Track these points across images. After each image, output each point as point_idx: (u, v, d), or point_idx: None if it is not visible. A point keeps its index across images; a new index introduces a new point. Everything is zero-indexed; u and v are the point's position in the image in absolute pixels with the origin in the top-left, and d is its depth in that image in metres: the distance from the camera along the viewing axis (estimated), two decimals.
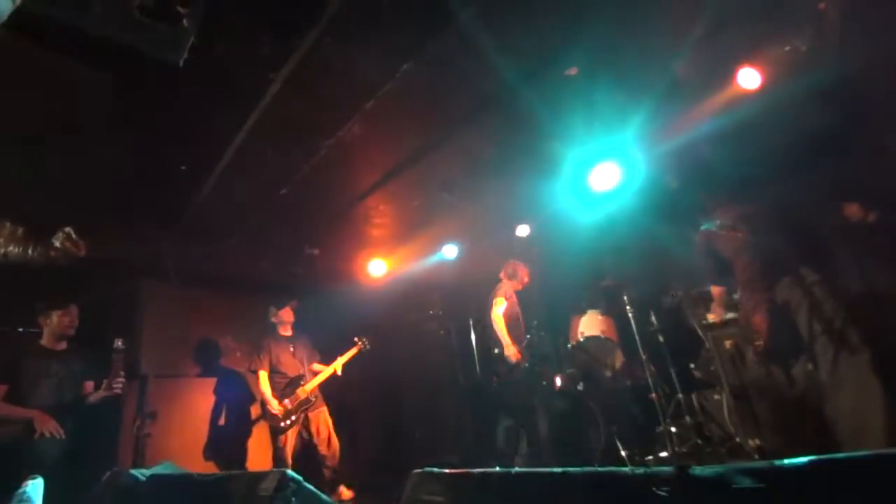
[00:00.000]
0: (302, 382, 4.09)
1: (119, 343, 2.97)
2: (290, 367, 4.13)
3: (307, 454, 4.13)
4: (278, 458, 3.87)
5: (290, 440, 3.92)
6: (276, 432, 3.94)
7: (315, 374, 4.21)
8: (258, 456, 4.51)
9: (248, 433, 4.59)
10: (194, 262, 4.38)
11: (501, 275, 4.38)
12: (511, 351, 3.77)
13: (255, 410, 4.63)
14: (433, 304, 5.31)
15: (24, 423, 2.68)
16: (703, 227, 2.84)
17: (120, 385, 2.95)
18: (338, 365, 4.25)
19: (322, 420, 4.08)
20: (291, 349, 4.22)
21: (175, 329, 4.41)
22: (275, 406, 3.94)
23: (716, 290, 3.03)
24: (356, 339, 4.47)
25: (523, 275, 4.36)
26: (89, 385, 3.06)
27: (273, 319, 4.31)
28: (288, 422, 3.92)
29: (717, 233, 2.68)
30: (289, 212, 4.17)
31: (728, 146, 3.25)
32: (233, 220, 4.26)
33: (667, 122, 3.34)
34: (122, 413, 3.90)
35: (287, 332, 4.30)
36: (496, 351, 3.93)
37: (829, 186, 2.95)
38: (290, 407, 3.96)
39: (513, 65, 2.79)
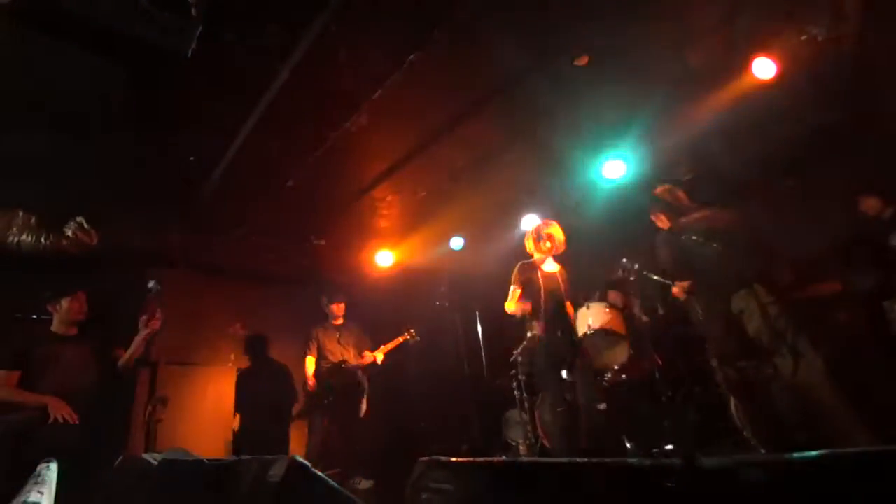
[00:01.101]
0: (343, 367, 4.21)
1: (153, 283, 3.08)
2: (336, 353, 4.27)
3: (325, 441, 4.20)
4: (316, 440, 4.00)
5: (325, 423, 4.06)
6: (316, 413, 4.07)
7: (362, 360, 4.30)
8: (270, 442, 4.58)
9: (259, 419, 4.66)
10: (203, 252, 4.43)
11: None
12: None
13: (270, 396, 4.73)
14: (440, 296, 5.32)
15: (37, 409, 2.74)
16: (668, 232, 2.99)
17: (158, 322, 3.05)
18: (379, 353, 4.37)
19: (353, 407, 4.18)
20: (338, 336, 4.34)
21: (185, 318, 4.46)
22: (310, 381, 4.12)
23: (676, 291, 3.06)
24: (406, 328, 4.55)
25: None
26: (119, 350, 3.12)
27: (326, 310, 4.45)
28: (325, 402, 4.06)
29: (685, 240, 2.85)
30: (296, 203, 4.18)
31: (739, 139, 3.20)
32: (240, 210, 4.28)
33: (678, 113, 3.29)
34: (133, 399, 3.97)
35: (338, 321, 4.43)
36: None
37: (846, 179, 2.90)
38: (329, 388, 4.09)
39: (521, 55, 2.76)
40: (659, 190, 3.12)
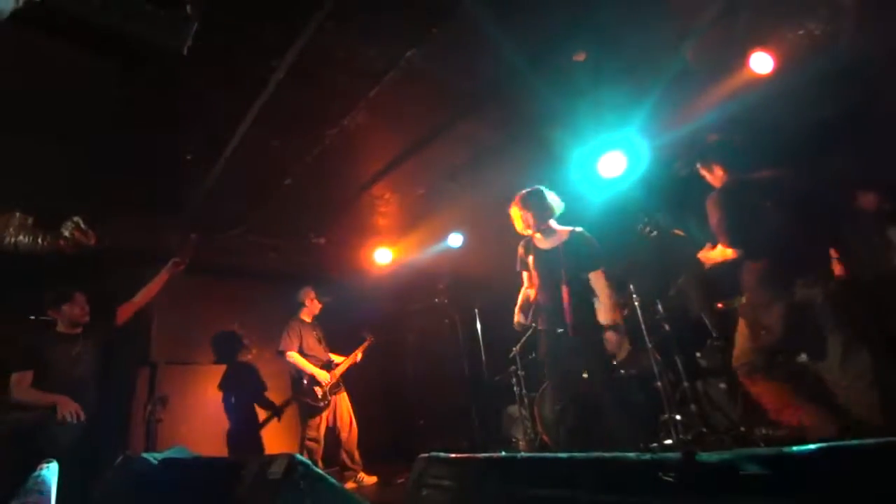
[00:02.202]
0: (332, 367, 4.19)
1: (194, 236, 3.41)
2: (317, 351, 4.22)
3: (326, 438, 4.20)
4: (311, 440, 3.95)
5: (323, 422, 4.01)
6: (311, 413, 4.01)
7: (349, 359, 4.31)
8: (269, 441, 4.59)
9: (258, 419, 4.67)
10: (202, 251, 4.41)
11: None
12: None
13: (270, 395, 4.72)
14: (438, 293, 5.32)
15: (39, 409, 2.75)
16: (723, 190, 2.45)
17: (183, 267, 3.31)
18: (359, 354, 4.39)
19: (346, 405, 4.18)
20: (316, 334, 4.29)
21: (184, 317, 4.47)
22: (325, 376, 4.04)
23: (706, 256, 2.53)
24: (366, 336, 4.58)
25: None
26: (122, 308, 3.24)
27: (304, 303, 4.35)
28: (325, 402, 4.02)
29: (747, 200, 2.32)
30: (294, 201, 4.18)
31: (738, 134, 3.20)
32: (239, 209, 4.28)
33: (676, 108, 3.29)
34: (133, 399, 3.98)
35: (309, 317, 4.37)
36: None
37: (843, 175, 2.90)
38: (326, 388, 4.05)
39: (518, 51, 2.75)
40: (713, 137, 2.58)
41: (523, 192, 2.90)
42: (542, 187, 2.91)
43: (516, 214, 2.87)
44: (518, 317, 2.93)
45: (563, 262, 2.65)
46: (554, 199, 2.89)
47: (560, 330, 2.60)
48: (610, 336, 2.60)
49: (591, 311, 2.65)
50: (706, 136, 2.65)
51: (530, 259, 2.85)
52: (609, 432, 2.49)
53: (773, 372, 2.26)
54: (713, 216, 2.36)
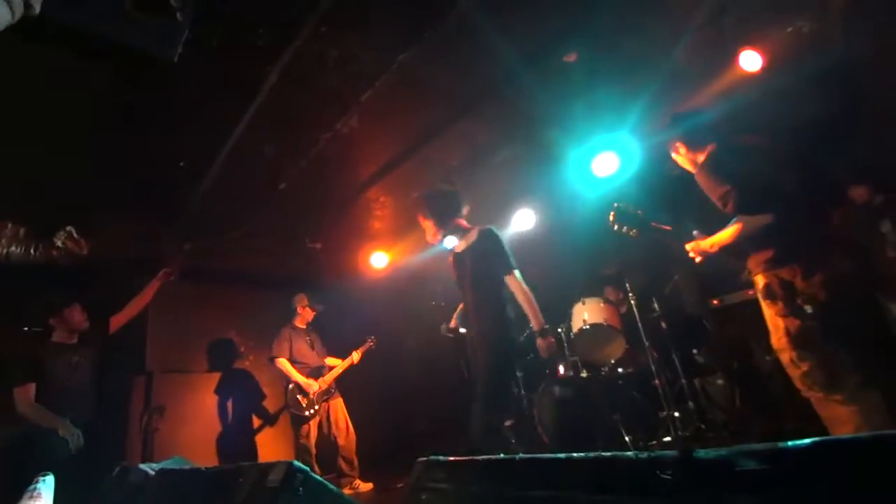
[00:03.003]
0: (323, 373, 4.15)
1: (188, 245, 3.47)
2: (309, 357, 4.20)
3: (321, 445, 4.18)
4: (302, 449, 3.92)
5: (314, 430, 3.98)
6: (299, 422, 3.99)
7: (329, 366, 4.27)
8: (267, 449, 4.56)
9: (256, 426, 4.64)
10: (196, 258, 4.39)
11: None
12: None
13: (267, 402, 4.68)
14: (435, 296, 5.32)
15: (34, 423, 2.73)
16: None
17: (172, 275, 3.35)
18: (356, 355, 4.35)
19: (340, 410, 4.15)
20: (309, 340, 4.27)
21: (180, 325, 4.44)
22: (314, 385, 4.00)
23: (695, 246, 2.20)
24: (368, 338, 4.55)
25: None
26: (114, 319, 3.23)
27: (298, 310, 4.35)
28: (312, 410, 3.98)
29: (740, 162, 2.04)
30: (289, 206, 4.17)
31: (730, 131, 3.22)
32: (233, 215, 4.26)
33: (668, 107, 3.31)
34: (129, 409, 3.94)
35: (302, 324, 4.35)
36: None
37: (834, 170, 2.92)
38: (313, 396, 4.02)
39: (512, 52, 2.76)
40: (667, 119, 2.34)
41: (419, 197, 2.73)
42: (443, 186, 2.76)
43: (422, 225, 2.72)
44: (452, 322, 2.86)
45: (469, 264, 2.48)
46: (454, 197, 2.69)
47: (471, 335, 2.47)
48: (541, 343, 2.44)
49: (499, 316, 2.41)
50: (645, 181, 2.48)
51: (450, 263, 2.69)
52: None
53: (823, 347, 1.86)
54: (716, 186, 2.01)
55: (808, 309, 1.87)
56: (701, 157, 2.18)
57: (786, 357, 1.94)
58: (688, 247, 2.18)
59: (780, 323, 1.95)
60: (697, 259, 2.16)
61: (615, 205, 2.31)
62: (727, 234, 2.03)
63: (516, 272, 2.45)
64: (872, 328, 1.94)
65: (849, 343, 1.84)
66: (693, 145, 2.21)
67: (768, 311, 2.01)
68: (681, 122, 2.27)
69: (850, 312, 1.87)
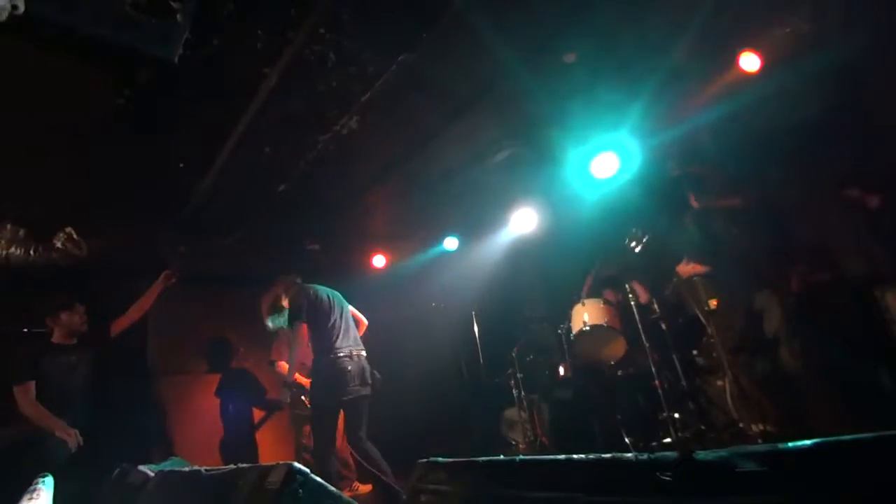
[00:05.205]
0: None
1: (183, 248, 3.58)
2: (308, 358, 4.17)
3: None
4: (303, 449, 3.90)
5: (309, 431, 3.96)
6: (300, 422, 3.96)
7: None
8: (267, 450, 4.55)
9: (256, 428, 4.63)
10: (196, 260, 4.39)
11: None
12: None
13: (267, 403, 4.67)
14: (435, 297, 5.32)
15: (31, 424, 2.72)
16: (696, 212, 2.88)
17: (174, 278, 3.37)
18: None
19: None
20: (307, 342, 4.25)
21: (180, 327, 4.44)
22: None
23: (683, 268, 3.02)
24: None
25: None
26: (114, 323, 3.24)
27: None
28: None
29: (712, 222, 2.76)
30: (288, 207, 4.17)
31: (728, 132, 3.22)
32: (233, 216, 4.26)
33: (667, 108, 3.31)
34: (129, 410, 3.94)
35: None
36: None
37: (830, 170, 2.93)
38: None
39: (511, 53, 2.77)
40: (676, 172, 3.07)
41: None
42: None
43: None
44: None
45: None
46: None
47: None
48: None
49: None
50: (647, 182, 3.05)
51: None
52: None
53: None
54: (688, 233, 2.80)
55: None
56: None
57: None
58: (679, 268, 2.98)
59: None
60: None
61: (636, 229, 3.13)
62: (689, 268, 3.01)
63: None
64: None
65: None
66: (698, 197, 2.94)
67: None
68: (690, 179, 3.10)
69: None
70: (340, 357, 3.20)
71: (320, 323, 3.27)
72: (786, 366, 2.43)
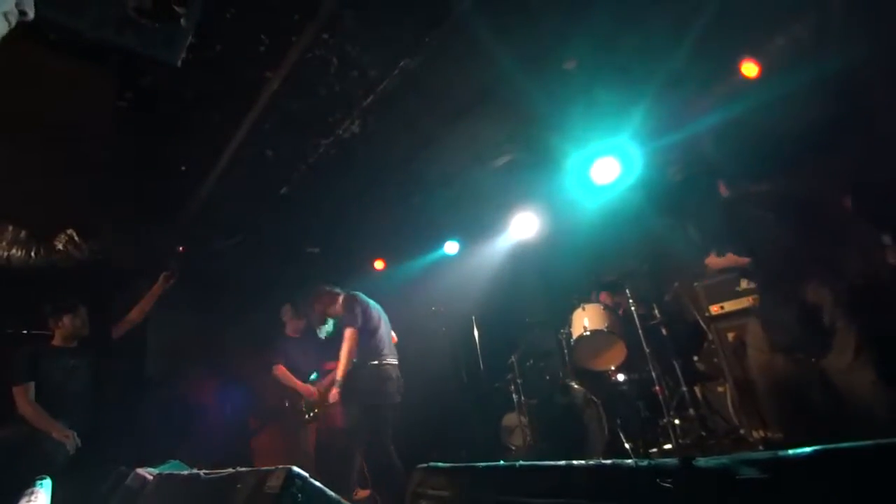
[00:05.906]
0: (320, 379, 4.13)
1: (181, 249, 3.62)
2: (305, 364, 4.17)
3: (320, 451, 4.15)
4: (301, 454, 3.89)
5: (313, 436, 3.96)
6: (298, 428, 3.96)
7: (328, 370, 4.25)
8: (265, 454, 4.53)
9: (254, 431, 4.62)
10: (196, 263, 4.40)
11: None
12: None
13: (266, 407, 4.66)
14: (435, 301, 5.31)
15: (28, 425, 2.72)
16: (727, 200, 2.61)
17: (173, 279, 3.42)
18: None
19: (339, 416, 4.12)
20: (302, 348, 4.25)
21: (179, 330, 4.43)
22: (313, 391, 3.99)
23: (714, 262, 2.69)
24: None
25: None
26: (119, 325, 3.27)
27: (283, 319, 4.32)
28: (311, 415, 3.97)
29: (746, 210, 2.48)
30: (289, 211, 4.17)
31: (729, 139, 3.23)
32: (234, 219, 4.27)
33: (668, 114, 3.32)
34: (128, 413, 3.93)
35: (294, 333, 4.32)
36: None
37: (831, 177, 2.93)
38: (313, 402, 4.00)
39: (512, 58, 2.78)
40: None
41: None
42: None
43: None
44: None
45: None
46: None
47: None
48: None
49: None
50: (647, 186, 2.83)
51: None
52: None
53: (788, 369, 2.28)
54: (717, 224, 2.52)
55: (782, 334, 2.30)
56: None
57: None
58: (707, 261, 2.59)
59: None
60: None
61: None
62: (727, 260, 2.53)
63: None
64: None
65: None
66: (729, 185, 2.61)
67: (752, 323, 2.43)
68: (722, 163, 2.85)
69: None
70: (385, 365, 3.33)
71: (370, 330, 3.39)
72: (845, 364, 2.10)
